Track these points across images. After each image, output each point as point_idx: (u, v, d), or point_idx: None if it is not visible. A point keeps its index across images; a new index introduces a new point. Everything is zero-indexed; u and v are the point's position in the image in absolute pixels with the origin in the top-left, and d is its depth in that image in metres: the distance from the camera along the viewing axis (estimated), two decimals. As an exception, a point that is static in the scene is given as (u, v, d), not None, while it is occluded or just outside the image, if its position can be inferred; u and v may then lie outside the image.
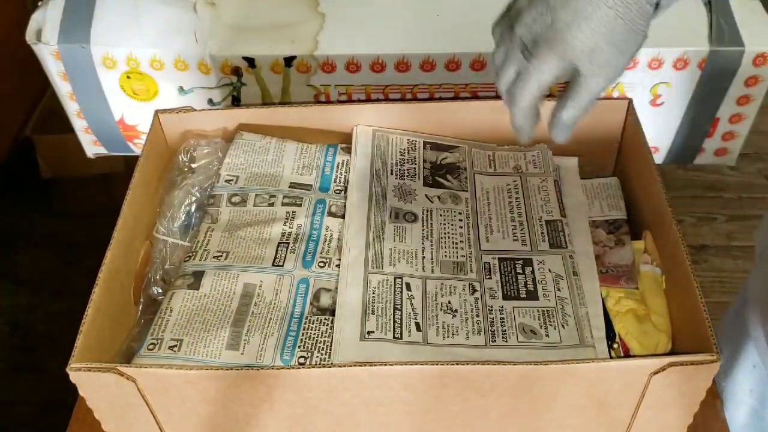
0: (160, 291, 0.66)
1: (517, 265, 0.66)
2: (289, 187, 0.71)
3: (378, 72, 0.83)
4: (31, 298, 1.69)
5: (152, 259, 0.68)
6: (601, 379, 0.55)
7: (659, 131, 0.87)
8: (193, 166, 0.73)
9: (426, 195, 0.71)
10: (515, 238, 0.68)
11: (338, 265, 0.65)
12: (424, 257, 0.66)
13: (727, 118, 0.86)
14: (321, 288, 0.63)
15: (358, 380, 0.55)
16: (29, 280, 1.73)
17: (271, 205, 0.70)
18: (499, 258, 0.67)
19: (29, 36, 0.83)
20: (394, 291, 0.63)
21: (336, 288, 0.63)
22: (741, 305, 0.77)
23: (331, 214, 0.69)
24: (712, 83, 0.82)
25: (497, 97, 0.86)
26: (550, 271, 0.65)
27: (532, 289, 0.64)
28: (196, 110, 0.75)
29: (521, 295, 0.64)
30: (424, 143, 0.75)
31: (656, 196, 0.66)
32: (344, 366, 0.55)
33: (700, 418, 0.58)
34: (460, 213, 0.70)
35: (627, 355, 0.61)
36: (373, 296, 0.62)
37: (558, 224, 0.69)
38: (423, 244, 0.67)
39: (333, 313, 0.61)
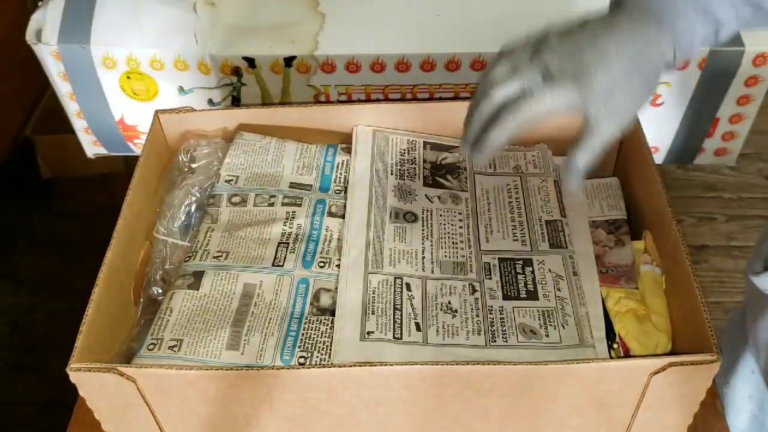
0: (160, 291, 0.66)
1: (517, 265, 0.66)
2: (289, 187, 0.71)
3: (378, 72, 0.83)
4: (31, 298, 1.69)
5: (152, 259, 0.68)
6: (601, 379, 0.55)
7: (659, 131, 0.87)
8: (193, 166, 0.73)
9: (426, 195, 0.71)
10: (515, 238, 0.68)
11: (338, 265, 0.65)
12: (424, 257, 0.66)
13: (727, 118, 0.86)
14: (321, 288, 0.63)
15: (358, 380, 0.55)
16: (29, 280, 1.73)
17: (271, 205, 0.70)
18: (499, 258, 0.67)
19: (29, 36, 0.83)
20: (394, 291, 0.63)
21: (336, 288, 0.63)
22: (741, 312, 0.77)
23: (331, 214, 0.69)
24: (712, 83, 0.82)
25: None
26: (550, 271, 0.65)
27: (532, 289, 0.64)
28: (196, 110, 0.75)
29: (521, 295, 0.64)
30: (424, 143, 0.76)
31: (656, 196, 0.66)
32: (344, 366, 0.55)
33: (700, 418, 0.58)
34: (460, 213, 0.70)
35: (627, 355, 0.61)
36: (373, 296, 0.62)
37: (558, 224, 0.69)
38: (423, 244, 0.67)
39: (333, 313, 0.61)
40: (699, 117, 0.85)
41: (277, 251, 0.66)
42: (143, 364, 0.56)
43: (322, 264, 0.65)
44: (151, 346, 0.59)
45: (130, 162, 0.72)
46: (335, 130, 0.76)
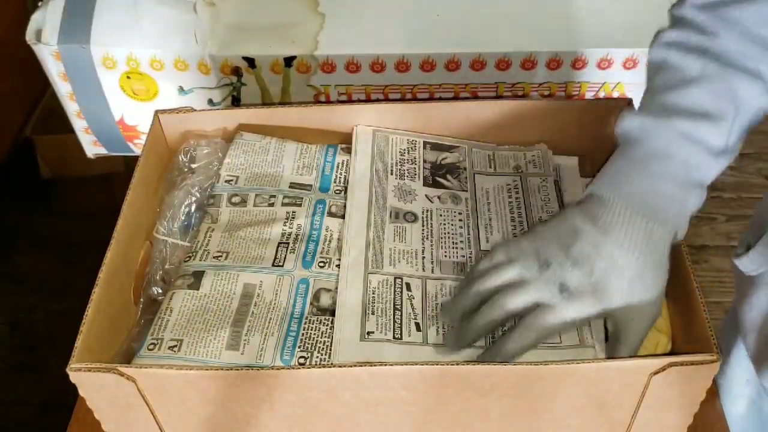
0: (160, 291, 0.66)
1: None
2: (289, 187, 0.71)
3: (378, 72, 0.83)
4: (31, 298, 1.69)
5: (152, 259, 0.68)
6: (601, 379, 0.55)
7: (659, 131, 0.87)
8: (193, 166, 0.73)
9: (426, 195, 0.71)
10: (514, 236, 0.68)
11: (338, 266, 0.65)
12: (424, 257, 0.66)
13: (727, 118, 0.86)
14: (321, 288, 0.63)
15: (358, 380, 0.55)
16: (29, 280, 1.73)
17: (271, 205, 0.70)
18: None
19: (29, 36, 0.83)
20: (394, 291, 0.63)
21: (336, 288, 0.63)
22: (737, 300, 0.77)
23: (331, 214, 0.69)
24: (712, 83, 0.82)
25: (497, 97, 0.87)
26: None
27: None
28: (196, 110, 0.75)
29: None
30: (424, 143, 0.75)
31: (656, 196, 0.66)
32: (344, 366, 0.55)
33: (700, 418, 0.58)
34: (460, 213, 0.70)
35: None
36: (373, 296, 0.62)
37: None
38: (423, 244, 0.67)
39: (333, 313, 0.61)
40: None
41: (277, 251, 0.66)
42: (143, 364, 0.56)
43: (322, 264, 0.65)
44: (151, 346, 0.59)
45: (130, 162, 0.72)
46: (335, 130, 0.76)
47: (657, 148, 0.54)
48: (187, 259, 0.65)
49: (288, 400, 0.56)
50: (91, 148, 0.95)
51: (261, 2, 0.86)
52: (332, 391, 0.55)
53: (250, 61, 0.82)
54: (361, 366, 0.56)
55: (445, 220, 0.69)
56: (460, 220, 0.69)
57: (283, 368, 0.56)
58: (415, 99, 0.85)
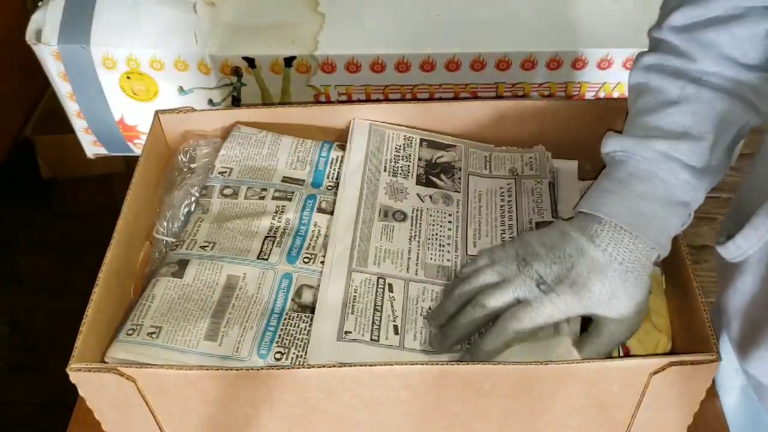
0: (160, 291, 0.66)
1: None
2: (282, 181, 0.71)
3: (378, 72, 0.83)
4: (31, 298, 1.69)
5: (152, 259, 0.68)
6: (601, 380, 0.55)
7: (659, 131, 0.87)
8: (193, 166, 0.73)
9: (417, 194, 0.70)
10: (503, 241, 0.67)
11: (323, 262, 0.64)
12: (409, 258, 0.65)
13: (727, 118, 0.86)
14: (304, 284, 0.63)
15: (358, 380, 0.55)
16: (29, 280, 1.73)
17: (262, 198, 0.69)
18: None
19: (29, 36, 0.83)
20: (376, 291, 0.62)
21: (318, 285, 0.63)
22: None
23: (320, 210, 0.69)
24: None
25: (497, 97, 0.87)
26: None
27: None
28: (196, 110, 0.75)
29: None
30: (421, 140, 0.74)
31: (656, 196, 0.66)
32: (344, 366, 0.55)
33: (699, 417, 0.58)
34: (450, 215, 0.69)
35: (627, 355, 0.61)
36: (355, 295, 0.62)
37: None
38: (410, 244, 0.66)
39: (313, 310, 0.61)
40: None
41: (263, 244, 0.65)
42: (129, 361, 0.56)
43: (307, 260, 0.65)
44: (130, 332, 0.58)
45: (130, 162, 0.72)
46: (335, 130, 0.76)
47: (638, 168, 0.56)
48: (174, 247, 0.65)
49: (288, 400, 0.56)
50: (91, 148, 0.95)
51: (261, 2, 0.87)
52: (332, 391, 0.55)
53: (250, 61, 0.82)
54: (361, 366, 0.55)
55: (434, 221, 0.68)
56: (450, 222, 0.68)
57: (283, 368, 0.56)
58: (415, 99, 0.85)
